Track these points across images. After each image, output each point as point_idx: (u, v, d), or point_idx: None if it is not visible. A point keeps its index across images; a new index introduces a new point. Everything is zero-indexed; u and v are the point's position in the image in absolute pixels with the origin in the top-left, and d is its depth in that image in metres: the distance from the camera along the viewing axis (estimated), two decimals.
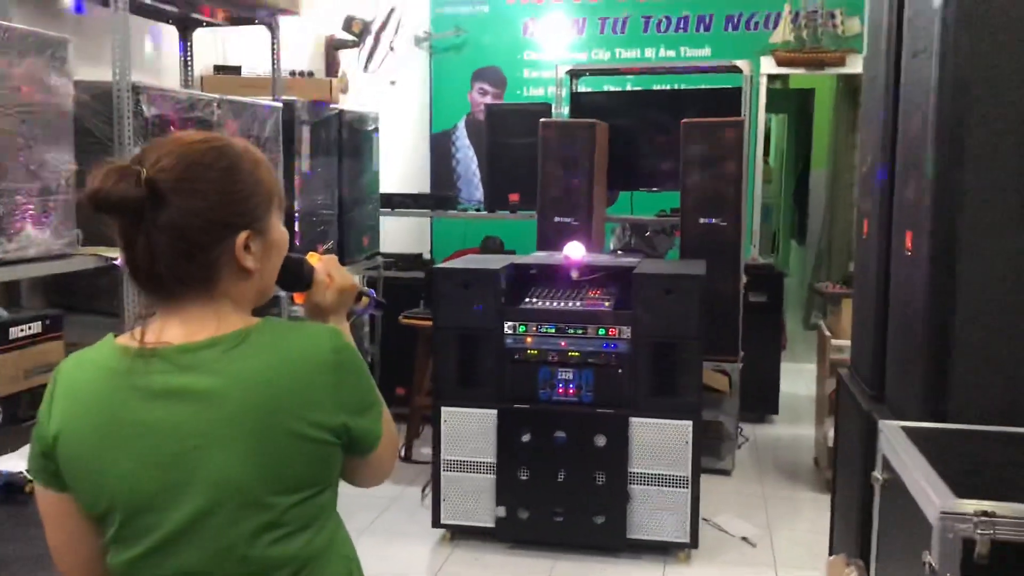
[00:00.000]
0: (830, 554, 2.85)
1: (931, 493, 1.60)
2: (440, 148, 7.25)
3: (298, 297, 1.38)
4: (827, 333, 4.35)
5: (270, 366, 1.13)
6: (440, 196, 6.05)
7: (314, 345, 1.17)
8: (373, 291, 1.48)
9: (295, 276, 1.34)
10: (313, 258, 1.38)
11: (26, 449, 1.98)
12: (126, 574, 1.16)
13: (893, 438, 1.93)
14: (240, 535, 1.12)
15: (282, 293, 1.44)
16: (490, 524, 3.59)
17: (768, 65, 6.50)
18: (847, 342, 3.26)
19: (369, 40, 5.37)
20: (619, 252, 5.24)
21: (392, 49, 5.65)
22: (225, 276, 1.17)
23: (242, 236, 1.16)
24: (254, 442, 1.11)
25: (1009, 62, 2.00)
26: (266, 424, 1.12)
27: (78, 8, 3.10)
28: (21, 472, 1.83)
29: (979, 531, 1.50)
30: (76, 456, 1.15)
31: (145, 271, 1.14)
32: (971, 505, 1.53)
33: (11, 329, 2.31)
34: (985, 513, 1.51)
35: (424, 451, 4.17)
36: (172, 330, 1.16)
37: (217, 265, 1.16)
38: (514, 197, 5.24)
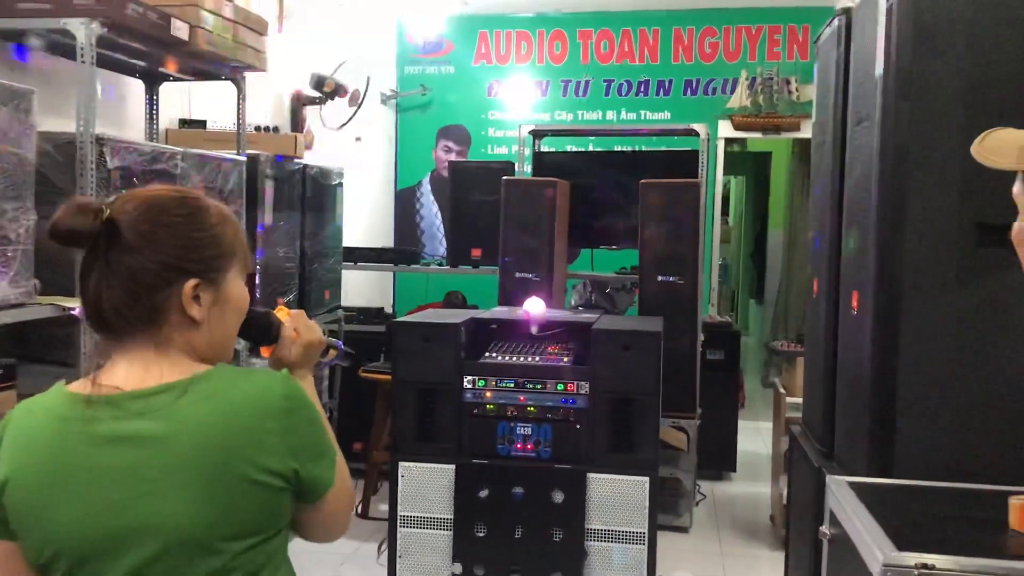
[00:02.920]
0: None
1: (874, 546, 1.63)
2: (405, 204, 7.32)
3: (265, 351, 1.39)
4: (782, 391, 4.41)
5: (220, 412, 1.15)
6: (403, 250, 6.10)
7: (265, 391, 1.18)
8: (340, 342, 1.50)
9: (262, 330, 1.36)
10: (281, 312, 1.40)
11: None
12: None
13: (839, 493, 1.97)
14: None
15: (240, 345, 1.46)
16: None
17: (726, 129, 6.68)
18: (801, 400, 3.32)
19: (337, 97, 5.44)
20: (580, 308, 5.30)
21: (359, 107, 5.73)
22: (172, 322, 1.19)
23: (190, 283, 1.18)
24: (204, 487, 1.12)
25: (946, 129, 2.10)
26: (216, 469, 1.12)
27: (20, 55, 3.12)
28: None
29: None
30: (24, 503, 1.15)
31: (95, 309, 1.16)
32: (913, 558, 1.56)
33: None
34: (926, 566, 1.55)
35: (381, 508, 4.13)
36: (122, 375, 1.17)
37: (163, 309, 1.18)
38: (476, 252, 5.30)
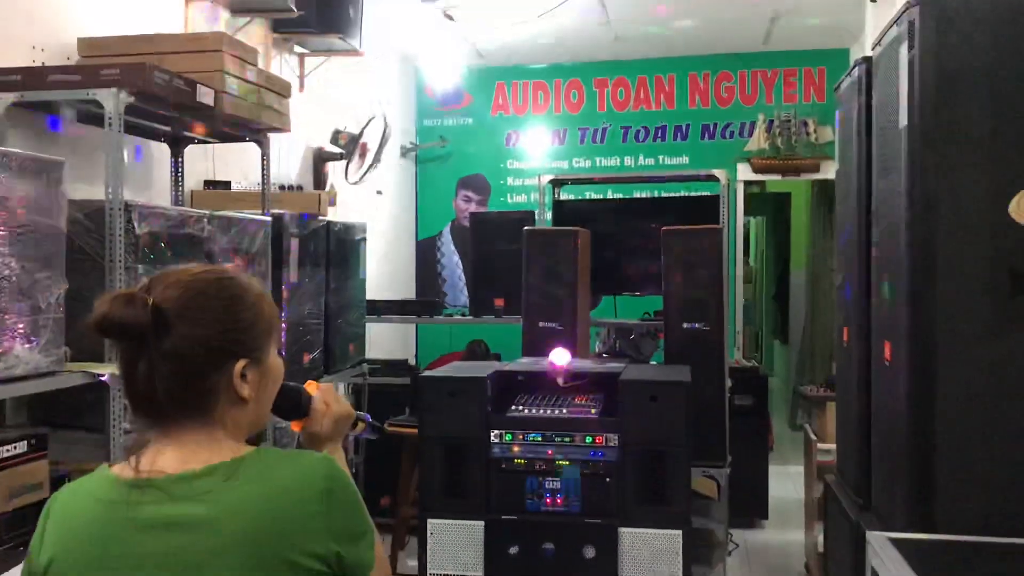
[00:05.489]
0: None
1: None
2: (425, 254, 7.36)
3: (295, 425, 1.40)
4: (813, 437, 4.36)
5: (263, 496, 1.15)
6: (425, 301, 6.11)
7: (307, 474, 1.18)
8: (369, 416, 1.50)
9: (293, 404, 1.36)
10: (311, 387, 1.40)
11: (10, 573, 1.95)
12: None
13: (881, 550, 1.93)
14: None
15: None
16: None
17: (745, 171, 6.70)
18: (832, 446, 3.28)
19: (357, 152, 5.50)
20: (605, 355, 5.27)
21: (379, 160, 5.79)
22: (221, 403, 1.19)
23: (239, 364, 1.19)
24: (247, 572, 1.11)
25: (973, 177, 2.09)
26: (259, 554, 1.12)
27: (54, 126, 3.18)
28: None
29: None
30: None
31: (145, 396, 1.16)
32: None
33: None
34: None
35: (411, 563, 4.09)
36: (166, 458, 1.17)
37: (214, 392, 1.18)
38: (499, 302, 5.30)
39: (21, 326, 2.40)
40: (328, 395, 1.40)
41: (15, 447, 2.34)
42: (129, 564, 1.13)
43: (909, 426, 2.14)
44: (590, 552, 3.44)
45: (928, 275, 2.10)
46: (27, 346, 2.41)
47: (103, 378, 2.66)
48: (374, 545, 1.25)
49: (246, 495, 1.14)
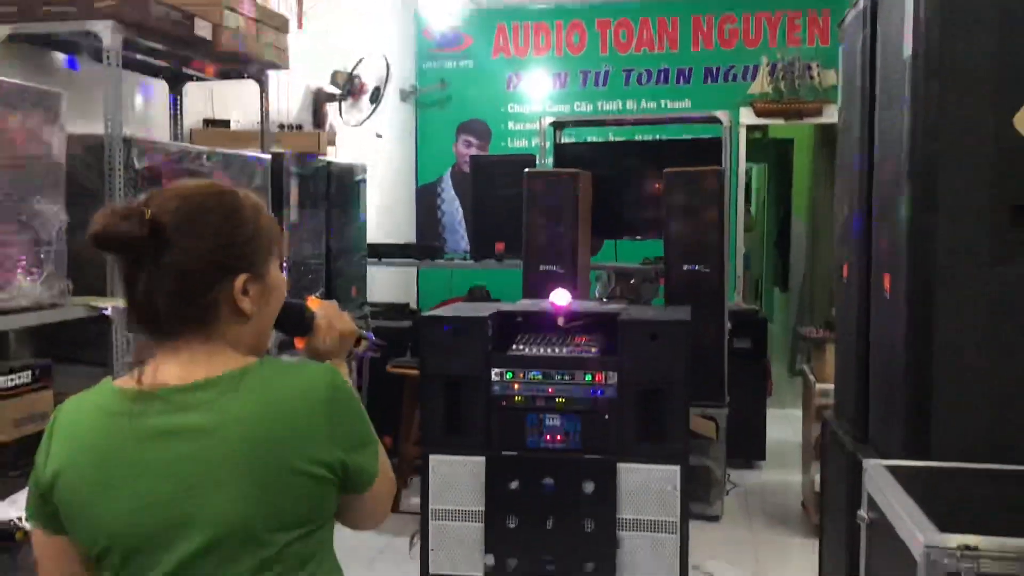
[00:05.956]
0: None
1: (915, 529, 1.62)
2: (426, 200, 7.33)
3: (298, 342, 1.40)
4: (811, 378, 4.39)
5: (267, 404, 1.16)
6: (427, 246, 6.11)
7: (310, 383, 1.19)
8: (371, 334, 1.51)
9: (295, 321, 1.37)
10: (313, 303, 1.41)
11: (16, 497, 1.98)
12: None
13: (877, 477, 1.96)
14: (238, 573, 1.13)
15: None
16: (479, 573, 3.56)
17: (747, 116, 6.65)
18: (831, 386, 3.30)
19: (353, 90, 5.46)
20: (604, 300, 5.29)
21: (379, 102, 5.75)
22: (223, 318, 1.20)
23: (240, 279, 1.20)
24: (252, 479, 1.13)
25: (978, 108, 2.07)
26: (264, 461, 1.14)
27: (71, 65, 3.15)
28: (12, 520, 1.83)
29: (963, 564, 1.53)
30: (74, 497, 1.16)
31: (145, 310, 1.17)
32: (955, 539, 1.55)
33: (0, 378, 2.32)
34: (968, 547, 1.54)
35: (413, 501, 4.15)
36: (169, 371, 1.18)
37: (215, 307, 1.19)
38: (500, 246, 5.30)
39: (23, 258, 2.40)
40: (331, 311, 1.41)
41: (20, 377, 2.36)
42: (134, 473, 1.15)
43: (907, 357, 2.15)
44: (589, 487, 3.48)
45: (929, 206, 2.09)
46: (29, 278, 2.42)
47: (106, 312, 2.68)
48: (378, 455, 1.26)
49: (249, 404, 1.15)
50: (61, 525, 1.18)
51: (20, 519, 1.82)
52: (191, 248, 1.16)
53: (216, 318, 1.19)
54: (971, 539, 1.55)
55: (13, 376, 2.35)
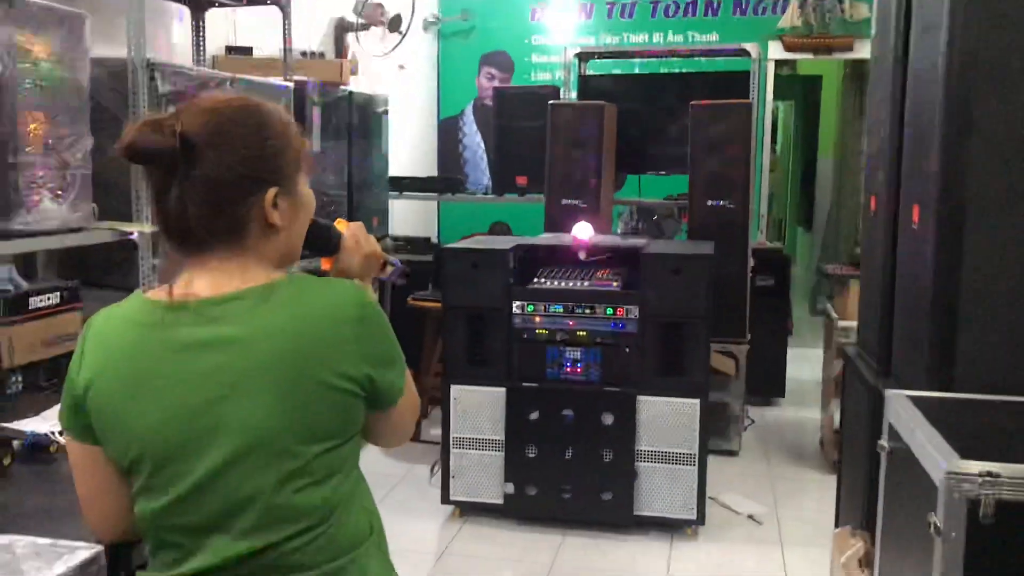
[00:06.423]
0: (836, 528, 2.88)
1: (936, 455, 1.63)
2: (448, 135, 7.27)
3: (325, 262, 1.41)
4: (834, 315, 4.37)
5: (297, 317, 1.17)
6: (449, 179, 6.08)
7: (340, 298, 1.20)
8: (397, 260, 1.51)
9: (323, 240, 1.37)
10: (341, 224, 1.40)
11: (48, 413, 2.02)
12: (154, 522, 1.19)
13: (899, 406, 1.96)
14: (266, 483, 1.15)
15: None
16: (499, 501, 3.63)
17: (776, 50, 6.51)
18: (853, 323, 3.29)
19: (375, 16, 5.38)
20: (627, 235, 5.26)
21: (404, 34, 5.67)
22: (253, 232, 1.20)
23: (271, 192, 1.19)
24: (281, 391, 1.14)
25: (1016, 36, 2.02)
26: (293, 373, 1.15)
27: None
28: (46, 433, 1.87)
29: (984, 491, 1.53)
30: (106, 406, 1.18)
31: (175, 223, 1.17)
32: (976, 466, 1.56)
33: (31, 299, 2.34)
34: (990, 474, 1.54)
35: (433, 432, 4.20)
36: (200, 284, 1.19)
37: (245, 220, 1.19)
38: (522, 180, 5.27)
39: (50, 181, 2.41)
40: (359, 232, 1.41)
41: (49, 298, 2.39)
42: (166, 383, 1.16)
43: (933, 288, 2.13)
44: (608, 419, 3.52)
45: (962, 136, 2.05)
46: (56, 201, 2.43)
47: (132, 236, 2.70)
48: (404, 373, 1.27)
49: (280, 317, 1.16)
50: (94, 436, 1.20)
51: (53, 433, 1.85)
52: (221, 160, 1.16)
53: (246, 231, 1.19)
54: (993, 466, 1.55)
55: (43, 297, 2.37)
